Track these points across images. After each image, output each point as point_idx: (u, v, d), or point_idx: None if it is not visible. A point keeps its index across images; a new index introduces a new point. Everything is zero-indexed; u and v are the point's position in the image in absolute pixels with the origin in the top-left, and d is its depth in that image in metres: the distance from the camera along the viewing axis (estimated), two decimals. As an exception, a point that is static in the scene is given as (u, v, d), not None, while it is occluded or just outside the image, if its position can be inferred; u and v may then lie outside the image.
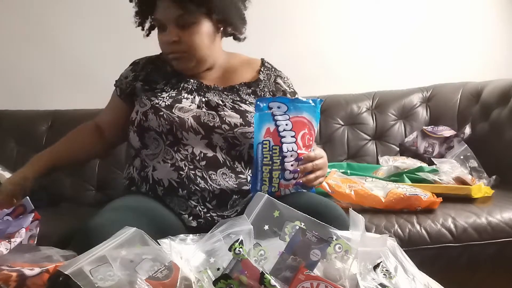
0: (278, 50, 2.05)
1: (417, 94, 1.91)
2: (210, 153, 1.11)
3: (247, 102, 1.18)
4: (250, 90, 1.21)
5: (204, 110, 1.15)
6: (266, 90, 1.23)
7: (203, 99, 1.17)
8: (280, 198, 0.76)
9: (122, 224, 0.74)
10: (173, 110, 1.13)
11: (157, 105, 1.14)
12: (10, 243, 0.79)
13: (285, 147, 1.00)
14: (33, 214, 0.90)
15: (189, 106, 1.15)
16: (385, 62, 2.10)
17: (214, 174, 1.10)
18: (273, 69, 1.30)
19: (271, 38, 2.04)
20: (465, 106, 1.81)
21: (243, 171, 1.14)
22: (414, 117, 1.87)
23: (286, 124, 1.00)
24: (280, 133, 0.98)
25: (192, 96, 1.18)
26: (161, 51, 1.22)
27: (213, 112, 1.14)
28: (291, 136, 0.99)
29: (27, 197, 0.94)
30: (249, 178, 1.13)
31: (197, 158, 1.11)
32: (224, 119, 1.13)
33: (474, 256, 1.21)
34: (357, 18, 2.12)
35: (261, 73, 1.26)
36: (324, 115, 1.88)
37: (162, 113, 1.12)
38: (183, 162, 1.10)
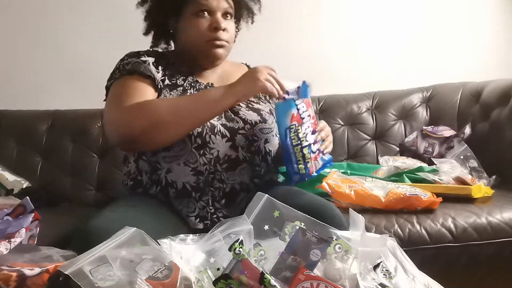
0: (278, 50, 2.05)
1: (417, 94, 1.91)
2: (233, 155, 1.13)
3: (254, 101, 1.24)
4: None
5: (227, 114, 1.16)
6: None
7: None
8: (279, 198, 0.76)
9: (124, 224, 0.74)
10: None
11: None
12: (10, 243, 0.79)
13: (305, 126, 1.11)
14: (33, 214, 0.90)
15: None
16: (385, 62, 2.10)
17: (232, 174, 1.12)
18: None
19: (271, 38, 2.04)
20: (465, 106, 1.81)
21: (259, 163, 1.17)
22: (414, 117, 1.87)
23: (303, 106, 1.11)
24: (301, 115, 1.10)
25: None
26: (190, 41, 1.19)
27: (236, 116, 1.17)
28: (308, 116, 1.11)
29: (27, 197, 0.94)
30: (263, 170, 1.17)
31: (221, 161, 1.11)
32: (245, 119, 1.17)
33: (474, 256, 1.21)
34: (357, 18, 2.12)
35: None
36: (324, 115, 1.89)
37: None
38: (205, 167, 1.10)
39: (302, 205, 0.83)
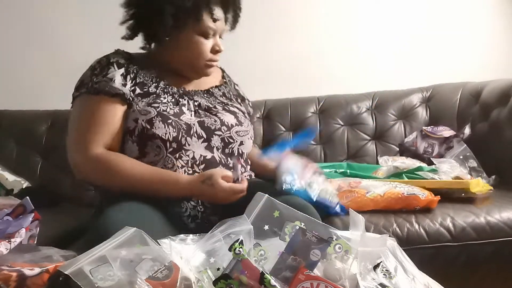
0: (278, 50, 2.05)
1: (417, 94, 1.91)
2: (209, 155, 1.13)
3: (229, 104, 1.25)
4: (221, 93, 1.28)
5: (202, 113, 1.17)
6: (231, 93, 1.32)
7: (195, 103, 1.19)
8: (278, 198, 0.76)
9: (139, 222, 0.74)
10: (181, 117, 1.13)
11: (164, 113, 1.12)
12: (10, 243, 0.79)
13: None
14: (33, 214, 0.90)
15: (189, 111, 1.16)
16: (385, 62, 2.10)
17: None
18: (230, 77, 1.41)
19: (272, 38, 2.04)
20: (465, 106, 1.81)
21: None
22: (414, 117, 1.87)
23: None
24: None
25: (185, 101, 1.18)
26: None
27: (213, 116, 1.17)
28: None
29: (27, 197, 0.94)
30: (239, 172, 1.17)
31: (197, 162, 1.12)
32: (223, 120, 1.17)
33: (473, 255, 1.21)
34: (357, 18, 2.12)
35: (225, 78, 1.37)
36: (324, 115, 1.89)
37: (170, 120, 1.11)
38: (183, 169, 1.11)
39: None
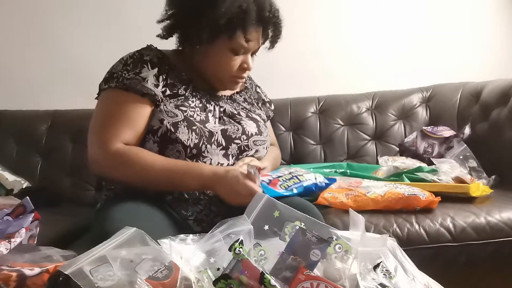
0: (278, 50, 2.05)
1: (417, 94, 1.91)
2: (225, 163, 1.13)
3: (251, 110, 1.24)
4: (243, 98, 1.28)
5: (227, 120, 1.17)
6: (252, 97, 1.31)
7: (220, 109, 1.19)
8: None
9: (144, 224, 0.74)
10: (206, 125, 1.12)
11: (191, 118, 1.11)
12: (10, 243, 0.79)
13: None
14: (33, 214, 0.90)
15: (214, 118, 1.16)
16: (385, 62, 2.10)
17: None
18: (252, 79, 1.40)
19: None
20: (465, 106, 1.81)
21: None
22: (414, 117, 1.87)
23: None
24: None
25: (212, 107, 1.18)
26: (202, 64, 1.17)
27: (237, 124, 1.17)
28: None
29: (27, 197, 0.94)
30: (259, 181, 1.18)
31: None
32: (245, 128, 1.18)
33: (473, 255, 1.21)
34: (357, 18, 2.12)
35: (247, 82, 1.35)
36: (324, 115, 1.89)
37: (195, 127, 1.10)
38: None
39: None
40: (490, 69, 2.02)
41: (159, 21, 1.17)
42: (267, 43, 1.21)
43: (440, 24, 2.11)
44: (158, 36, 1.17)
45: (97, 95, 1.18)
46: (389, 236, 0.78)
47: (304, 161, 1.80)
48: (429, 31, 2.11)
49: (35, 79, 2.04)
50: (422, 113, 1.88)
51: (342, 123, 1.88)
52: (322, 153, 1.84)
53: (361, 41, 2.12)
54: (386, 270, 0.69)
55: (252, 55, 1.19)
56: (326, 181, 1.28)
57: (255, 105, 1.31)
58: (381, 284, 0.67)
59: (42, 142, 1.85)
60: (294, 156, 1.84)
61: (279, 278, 0.66)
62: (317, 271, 0.68)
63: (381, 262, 0.69)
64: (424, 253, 1.19)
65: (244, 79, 1.21)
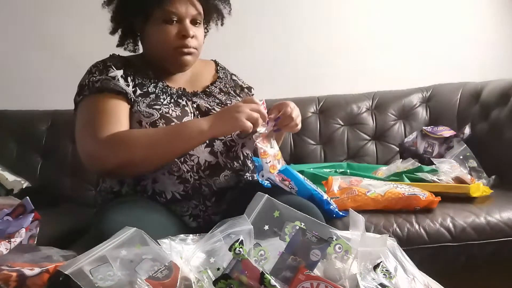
0: (278, 50, 2.06)
1: (417, 94, 1.92)
2: (213, 160, 1.12)
3: (227, 102, 1.23)
4: (218, 89, 1.26)
5: (202, 116, 1.15)
6: (228, 86, 1.29)
7: (193, 105, 1.18)
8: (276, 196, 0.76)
9: (141, 224, 0.74)
10: (184, 120, 1.12)
11: (167, 115, 1.11)
12: (10, 243, 0.79)
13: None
14: (33, 214, 0.90)
15: (190, 113, 1.15)
16: (385, 62, 2.10)
17: (217, 179, 1.12)
18: (225, 68, 1.37)
19: (272, 38, 2.04)
20: (465, 106, 1.81)
21: (242, 168, 1.17)
22: (414, 117, 1.88)
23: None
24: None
25: (184, 102, 1.17)
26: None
27: None
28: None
29: (27, 197, 0.94)
30: (247, 174, 1.18)
31: (202, 168, 1.11)
32: None
33: (473, 255, 1.21)
34: (357, 19, 2.12)
35: (219, 72, 1.33)
36: (324, 115, 1.89)
37: (173, 123, 1.10)
38: (189, 174, 1.10)
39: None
40: (490, 69, 2.02)
41: (111, 33, 1.24)
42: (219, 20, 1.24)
43: (440, 24, 2.12)
44: (117, 46, 1.24)
45: (74, 111, 1.16)
46: (389, 236, 0.78)
47: (304, 161, 1.80)
48: (429, 31, 2.11)
49: (35, 79, 2.04)
50: (422, 113, 1.88)
51: (342, 123, 1.88)
52: (322, 153, 1.84)
53: (361, 41, 2.12)
54: (386, 270, 0.69)
55: (195, 24, 1.16)
56: (341, 213, 1.23)
57: (232, 93, 1.28)
58: (381, 284, 0.67)
59: (42, 142, 1.85)
60: (294, 156, 1.84)
61: (279, 278, 0.66)
62: (317, 271, 0.68)
63: (381, 262, 0.69)
64: (424, 253, 1.19)
65: (191, 50, 1.16)
